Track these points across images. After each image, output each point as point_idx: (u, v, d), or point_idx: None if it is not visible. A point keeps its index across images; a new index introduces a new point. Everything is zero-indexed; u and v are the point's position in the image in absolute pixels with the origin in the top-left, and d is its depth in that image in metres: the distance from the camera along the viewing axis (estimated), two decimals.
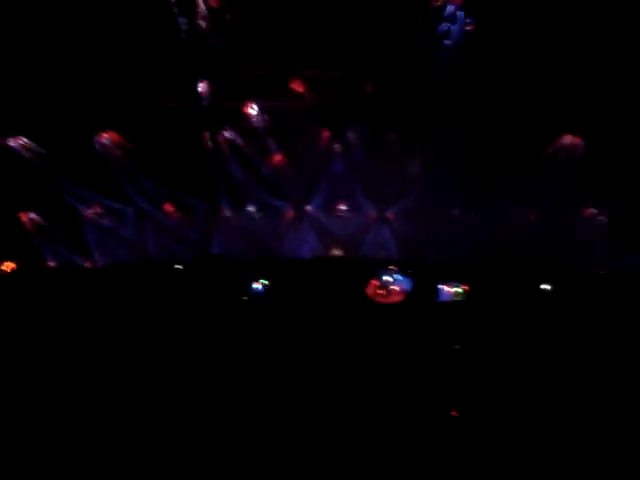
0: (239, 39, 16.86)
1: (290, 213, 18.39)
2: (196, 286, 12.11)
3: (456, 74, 16.51)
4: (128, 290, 11.66)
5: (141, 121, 17.32)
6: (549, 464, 5.39)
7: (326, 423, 6.01)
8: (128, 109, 17.39)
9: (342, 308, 9.79)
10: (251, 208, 18.38)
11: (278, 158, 17.90)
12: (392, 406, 6.38)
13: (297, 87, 17.43)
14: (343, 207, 18.43)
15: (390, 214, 18.17)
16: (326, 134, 17.71)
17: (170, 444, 5.69)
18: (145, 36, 16.17)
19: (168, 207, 18.44)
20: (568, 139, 16.66)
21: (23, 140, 16.93)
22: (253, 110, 17.40)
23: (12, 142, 16.87)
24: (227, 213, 18.42)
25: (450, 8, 16.35)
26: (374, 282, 10.50)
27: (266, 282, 12.18)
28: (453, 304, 10.96)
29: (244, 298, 11.87)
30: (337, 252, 18.37)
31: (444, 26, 16.60)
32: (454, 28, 16.55)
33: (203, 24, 16.74)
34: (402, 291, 10.46)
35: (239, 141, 17.81)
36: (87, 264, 18.20)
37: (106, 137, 17.40)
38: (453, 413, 6.19)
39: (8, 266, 15.32)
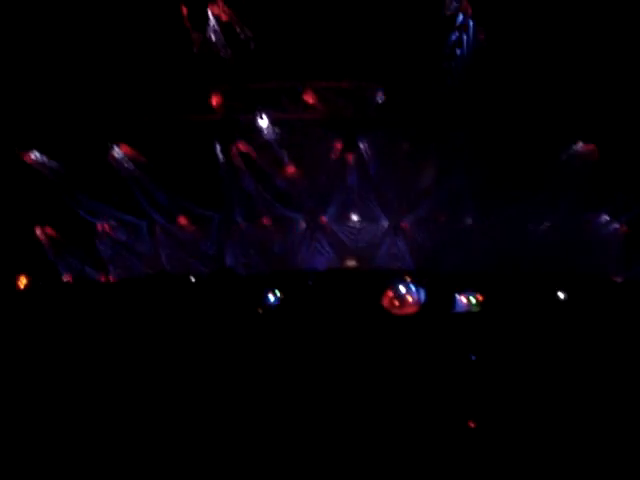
0: (251, 52, 16.93)
1: (304, 225, 18.40)
2: (210, 299, 12.10)
3: (468, 83, 16.49)
4: (142, 303, 11.67)
5: (154, 135, 17.40)
6: (565, 475, 5.34)
7: (342, 432, 5.99)
8: (141, 123, 17.48)
9: (357, 320, 9.75)
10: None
11: (291, 170, 17.91)
12: (409, 417, 6.34)
13: (310, 98, 17.46)
14: (357, 218, 18.42)
15: (405, 224, 18.12)
16: (339, 145, 17.69)
17: (185, 456, 5.68)
18: (157, 50, 16.27)
19: (182, 220, 18.49)
20: (582, 146, 16.58)
21: (38, 155, 17.05)
22: (265, 122, 17.44)
23: (27, 157, 17.00)
24: (241, 225, 18.45)
25: (461, 17, 16.35)
26: (389, 293, 10.43)
27: (280, 294, 12.15)
28: (468, 314, 10.89)
29: (259, 310, 11.85)
30: (351, 263, 18.34)
31: (455, 35, 16.59)
32: (465, 37, 16.53)
33: (215, 38, 16.82)
34: (417, 302, 10.40)
35: (252, 153, 17.83)
36: (101, 277, 18.28)
37: (120, 151, 17.47)
38: (470, 424, 6.13)
39: (22, 281, 15.39)
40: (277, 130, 17.47)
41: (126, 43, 16.17)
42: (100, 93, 16.68)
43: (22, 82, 16.10)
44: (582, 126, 16.16)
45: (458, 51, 16.74)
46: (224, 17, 16.72)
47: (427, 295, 10.62)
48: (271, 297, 12.03)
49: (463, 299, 10.92)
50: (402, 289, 10.43)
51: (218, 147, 17.67)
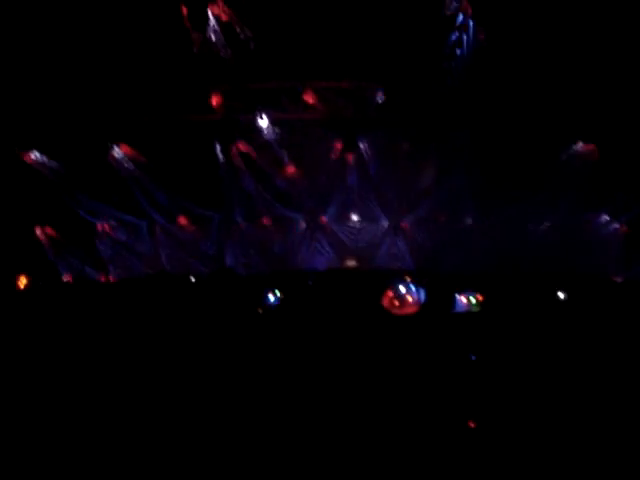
0: (251, 52, 16.93)
1: (304, 225, 18.40)
2: (211, 299, 12.10)
3: (468, 83, 16.49)
4: (142, 303, 11.67)
5: (154, 135, 17.40)
6: (565, 475, 5.34)
7: (343, 432, 5.99)
8: (141, 123, 17.48)
9: (357, 320, 9.75)
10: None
11: (291, 170, 17.90)
12: (409, 416, 6.34)
13: (310, 98, 17.46)
14: (357, 218, 18.42)
15: (405, 224, 18.12)
16: (339, 145, 17.69)
17: (185, 456, 5.68)
18: (157, 50, 16.26)
19: (182, 220, 18.49)
20: (582, 146, 16.57)
21: (38, 155, 17.05)
22: (265, 122, 17.43)
23: (27, 157, 17.00)
24: (241, 225, 18.44)
25: (461, 17, 16.35)
26: (389, 293, 10.43)
27: (280, 294, 12.15)
28: (468, 314, 10.90)
29: (259, 310, 11.85)
30: (351, 263, 18.34)
31: (455, 35, 16.59)
32: (465, 37, 16.53)
33: (215, 38, 16.81)
34: (417, 302, 10.39)
35: (252, 153, 17.82)
36: (101, 277, 18.29)
37: (120, 151, 17.47)
38: (470, 423, 6.13)
39: (22, 281, 15.39)
40: (277, 130, 17.46)
41: (126, 43, 16.16)
42: (100, 93, 16.67)
43: (22, 82, 16.10)
44: (582, 126, 16.16)
45: (458, 51, 16.73)
46: (224, 17, 16.72)
47: (427, 295, 10.63)
48: (271, 297, 12.02)
49: (463, 299, 10.92)
50: (402, 289, 10.42)
51: (218, 147, 17.66)
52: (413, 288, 10.49)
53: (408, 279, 10.92)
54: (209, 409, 6.63)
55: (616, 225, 17.25)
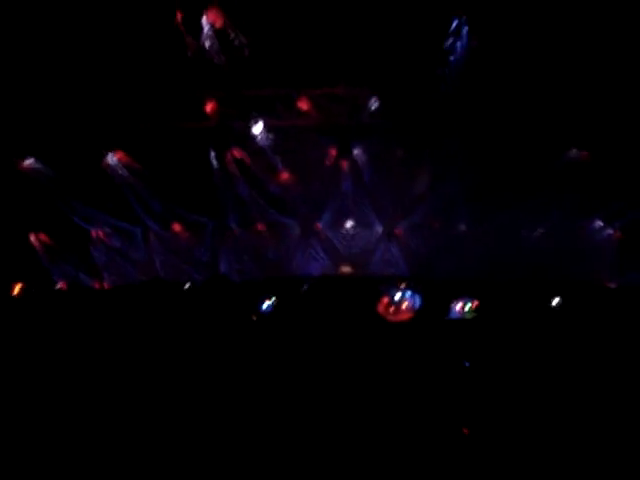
0: (246, 58, 16.92)
1: (298, 231, 18.41)
2: (205, 305, 12.08)
3: (462, 89, 16.52)
4: (136, 310, 11.65)
5: (149, 141, 17.39)
6: None
7: (337, 440, 5.99)
8: (136, 129, 17.47)
9: (352, 326, 9.75)
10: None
11: (285, 176, 17.91)
12: (403, 423, 6.34)
13: (304, 105, 17.46)
14: (351, 224, 18.44)
15: (399, 230, 18.14)
16: (333, 151, 17.71)
17: (179, 464, 5.67)
18: (151, 57, 16.25)
19: (176, 227, 18.49)
20: (575, 153, 16.61)
21: (32, 161, 17.03)
22: (260, 129, 17.44)
23: (21, 163, 16.97)
24: (236, 231, 18.44)
25: (455, 23, 16.38)
26: (384, 299, 10.43)
27: (274, 300, 12.13)
28: (463, 320, 10.91)
29: (253, 317, 11.83)
30: (346, 269, 18.35)
31: (449, 41, 16.61)
32: (459, 43, 16.56)
33: (209, 44, 16.81)
34: (412, 308, 10.40)
35: (247, 160, 17.83)
36: (96, 284, 18.25)
37: (114, 158, 17.46)
38: (464, 430, 6.14)
39: (16, 288, 15.34)
40: (271, 136, 17.47)
41: (120, 50, 16.14)
42: (94, 100, 16.65)
43: (16, 89, 16.07)
44: (576, 133, 16.21)
45: (452, 57, 16.75)
46: (218, 23, 16.71)
47: (422, 302, 10.64)
48: (265, 303, 12.01)
49: (458, 306, 10.93)
50: (397, 296, 10.43)
51: (212, 154, 17.68)
52: (408, 295, 10.50)
53: (403, 285, 10.92)
54: (204, 416, 6.62)
55: (610, 231, 17.30)
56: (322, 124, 17.61)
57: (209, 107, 17.43)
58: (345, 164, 17.67)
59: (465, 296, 11.07)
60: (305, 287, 14.28)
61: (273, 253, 18.59)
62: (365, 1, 15.88)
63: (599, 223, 17.39)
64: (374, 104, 17.42)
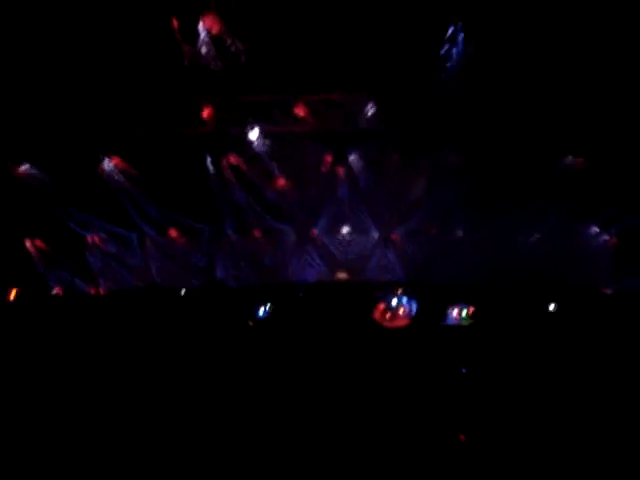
0: (242, 64, 16.93)
1: (294, 237, 18.40)
2: (201, 311, 12.07)
3: (458, 95, 16.54)
4: (132, 316, 11.63)
5: (145, 147, 17.39)
6: None
7: (333, 446, 5.97)
8: (132, 135, 17.47)
9: (348, 332, 9.75)
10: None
11: (282, 182, 17.91)
12: (400, 429, 6.33)
13: (301, 111, 17.47)
14: (347, 230, 18.43)
15: (395, 236, 18.14)
16: (329, 157, 17.71)
17: (175, 469, 5.66)
18: (148, 63, 16.26)
19: (172, 232, 18.47)
20: (571, 159, 16.64)
21: (28, 167, 17.01)
22: (256, 135, 17.44)
23: (17, 169, 16.95)
24: (232, 238, 18.43)
25: (451, 30, 16.41)
26: (380, 306, 10.44)
27: (270, 307, 12.13)
28: (459, 327, 10.91)
29: (249, 323, 11.82)
30: (342, 276, 18.34)
31: (445, 47, 16.64)
32: (455, 49, 16.59)
33: (206, 50, 16.81)
34: (408, 315, 10.40)
35: (243, 166, 17.82)
36: (91, 290, 18.22)
37: (110, 163, 17.45)
38: (460, 436, 6.13)
39: (11, 293, 15.30)
40: (268, 142, 17.47)
41: (116, 55, 16.15)
42: (91, 105, 16.64)
43: (12, 95, 16.06)
44: (572, 139, 16.24)
45: (448, 64, 16.77)
46: (215, 30, 16.72)
47: (418, 308, 10.64)
48: (262, 310, 12.00)
49: (454, 312, 10.93)
50: (393, 302, 10.43)
51: (209, 159, 17.68)
52: (404, 301, 10.50)
53: (399, 292, 10.92)
54: (200, 422, 6.61)
55: (606, 237, 17.33)
56: (318, 130, 17.60)
57: (205, 113, 17.42)
58: (341, 170, 17.67)
59: (461, 302, 11.07)
60: (301, 293, 14.29)
61: (269, 259, 18.57)
62: (361, 7, 15.88)
63: (595, 229, 17.41)
64: (370, 110, 17.42)
